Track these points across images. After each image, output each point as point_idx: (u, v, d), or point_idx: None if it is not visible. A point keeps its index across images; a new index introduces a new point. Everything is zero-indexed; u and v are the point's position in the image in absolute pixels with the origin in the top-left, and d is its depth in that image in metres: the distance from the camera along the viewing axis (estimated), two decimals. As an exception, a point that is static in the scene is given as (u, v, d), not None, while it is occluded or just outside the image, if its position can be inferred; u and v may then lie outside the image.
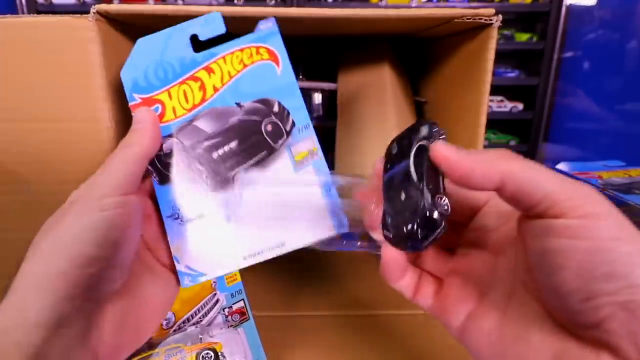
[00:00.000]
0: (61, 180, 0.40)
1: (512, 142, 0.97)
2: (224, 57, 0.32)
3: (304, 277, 0.60)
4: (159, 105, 0.31)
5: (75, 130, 0.39)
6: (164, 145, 0.31)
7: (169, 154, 0.31)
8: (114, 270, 0.24)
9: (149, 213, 0.30)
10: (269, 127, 0.31)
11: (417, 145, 0.23)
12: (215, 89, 0.31)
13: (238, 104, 0.32)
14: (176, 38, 0.32)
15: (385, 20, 0.39)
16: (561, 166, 0.57)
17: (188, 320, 0.41)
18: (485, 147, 0.42)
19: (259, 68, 0.32)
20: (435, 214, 0.21)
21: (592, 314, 0.18)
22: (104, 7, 0.36)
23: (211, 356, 0.36)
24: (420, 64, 0.64)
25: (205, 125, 0.31)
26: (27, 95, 0.38)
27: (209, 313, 0.42)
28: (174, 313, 0.40)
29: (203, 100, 0.31)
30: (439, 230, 0.21)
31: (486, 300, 0.24)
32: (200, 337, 0.38)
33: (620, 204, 0.51)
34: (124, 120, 0.42)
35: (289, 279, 0.61)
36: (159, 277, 0.29)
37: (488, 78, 0.41)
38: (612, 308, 0.18)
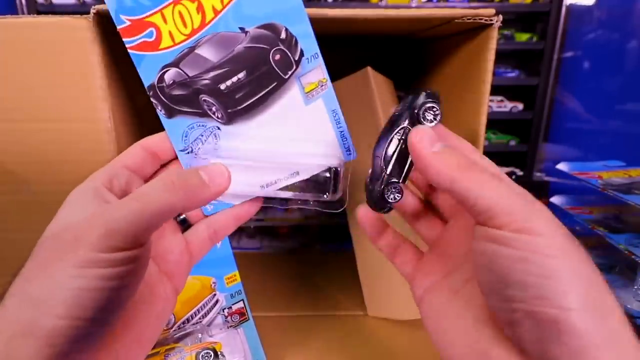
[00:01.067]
0: (61, 180, 0.40)
1: (512, 142, 0.97)
2: None
3: (304, 277, 0.60)
4: (153, 30, 0.28)
5: (75, 130, 0.39)
6: (166, 76, 0.29)
7: (173, 85, 0.29)
8: (110, 324, 0.22)
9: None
10: (277, 57, 0.29)
11: (402, 125, 0.25)
12: (216, 11, 0.28)
13: (242, 30, 0.29)
14: None
15: (385, 20, 0.39)
16: (561, 166, 0.57)
17: (188, 320, 0.41)
18: (485, 147, 0.42)
19: None
20: (386, 197, 0.25)
21: (505, 316, 0.20)
22: (104, 7, 0.36)
23: (211, 356, 0.36)
24: (420, 64, 0.64)
25: (209, 54, 0.29)
26: (27, 96, 0.38)
27: (208, 314, 0.42)
28: (174, 313, 0.40)
29: (203, 24, 0.28)
30: (386, 209, 0.26)
31: (447, 279, 0.26)
32: (199, 337, 0.38)
33: (620, 204, 0.51)
34: (124, 120, 0.42)
35: (289, 279, 0.61)
36: (157, 299, 0.27)
37: (488, 78, 0.41)
38: (521, 314, 0.19)
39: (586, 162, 0.58)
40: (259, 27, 0.29)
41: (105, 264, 0.20)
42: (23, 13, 0.79)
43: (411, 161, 0.24)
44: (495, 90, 0.94)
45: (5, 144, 0.39)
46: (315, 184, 0.30)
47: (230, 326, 0.41)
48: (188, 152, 0.29)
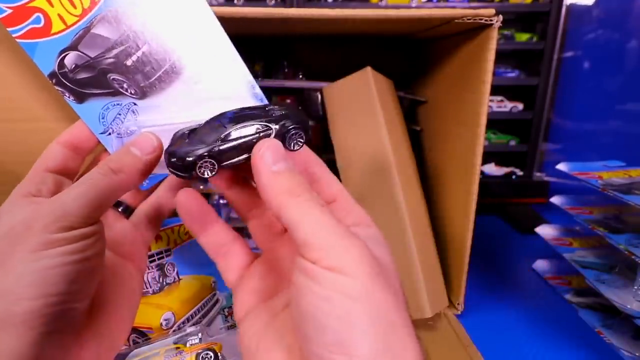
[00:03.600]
0: (61, 180, 0.40)
1: (512, 142, 0.97)
2: None
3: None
4: (40, 15, 0.26)
5: (75, 131, 0.39)
6: (66, 61, 0.27)
7: (76, 69, 0.27)
8: (83, 299, 0.22)
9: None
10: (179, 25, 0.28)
11: (268, 125, 0.24)
12: None
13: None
14: None
15: (385, 21, 0.39)
16: (561, 166, 0.57)
17: (188, 320, 0.41)
18: (485, 147, 0.42)
19: None
20: (198, 168, 0.23)
21: (305, 356, 0.19)
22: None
23: (211, 357, 0.36)
24: (420, 64, 0.64)
25: (107, 31, 0.27)
26: (27, 96, 0.38)
27: (208, 313, 0.42)
28: (174, 313, 0.40)
29: (94, 2, 0.27)
30: (187, 176, 0.23)
31: (270, 301, 0.25)
32: (199, 337, 0.38)
33: (620, 204, 0.50)
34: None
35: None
36: (123, 279, 0.27)
37: (488, 78, 0.41)
38: (313, 357, 0.18)
39: (586, 162, 0.58)
40: None
41: (62, 242, 0.20)
42: (23, 13, 0.78)
43: (246, 157, 0.23)
44: (495, 90, 0.94)
45: (5, 144, 0.39)
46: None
47: (230, 326, 0.41)
48: (109, 134, 0.28)
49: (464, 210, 0.46)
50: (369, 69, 0.51)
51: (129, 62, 0.28)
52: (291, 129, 0.24)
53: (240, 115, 0.24)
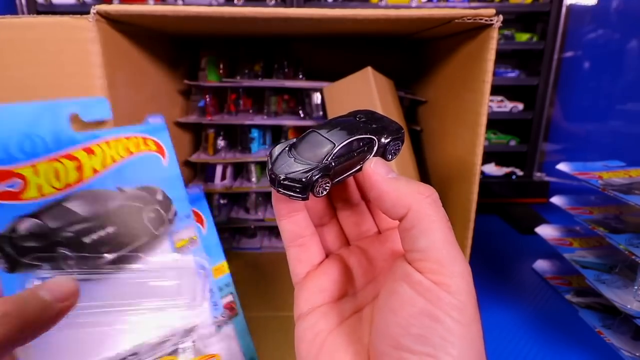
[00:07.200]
0: (61, 180, 0.40)
1: (512, 142, 0.97)
2: (107, 142, 0.31)
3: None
4: (19, 181, 0.27)
5: (75, 131, 0.39)
6: (21, 226, 0.27)
7: (27, 237, 0.27)
8: None
9: None
10: (152, 214, 0.32)
11: (367, 140, 0.24)
12: (95, 171, 0.30)
13: (120, 189, 0.31)
14: (52, 112, 0.29)
15: (385, 21, 0.39)
16: (561, 166, 0.57)
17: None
18: (485, 147, 0.42)
19: (146, 158, 0.33)
20: (314, 188, 0.22)
21: None
22: (104, 7, 0.36)
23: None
24: (420, 64, 0.64)
25: (79, 207, 0.29)
26: (27, 96, 0.38)
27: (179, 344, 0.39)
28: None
29: (80, 180, 0.29)
30: (295, 196, 0.22)
31: (338, 303, 0.24)
32: (193, 347, 0.36)
33: (620, 204, 0.50)
34: (124, 119, 0.42)
35: (289, 279, 0.61)
36: None
37: (488, 78, 0.41)
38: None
39: (586, 162, 0.58)
40: (137, 188, 0.31)
41: None
42: (23, 13, 0.78)
43: (353, 171, 0.23)
44: (495, 90, 0.94)
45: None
46: None
47: (219, 323, 0.39)
48: None
49: (464, 210, 0.46)
50: (369, 68, 0.51)
51: (87, 239, 0.29)
52: (390, 141, 0.24)
53: (337, 128, 0.24)
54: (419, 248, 0.19)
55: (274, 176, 0.22)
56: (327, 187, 0.23)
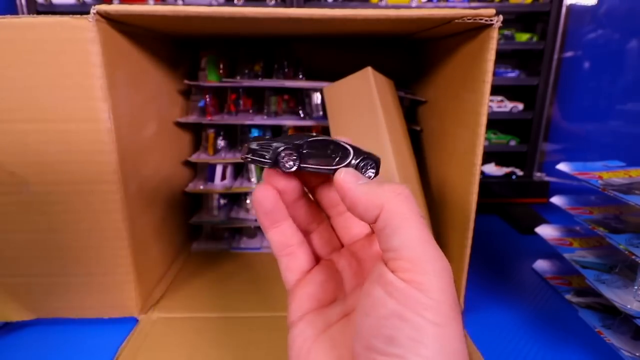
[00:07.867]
0: (61, 180, 0.40)
1: (512, 142, 0.97)
2: None
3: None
4: None
5: (75, 130, 0.39)
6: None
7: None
8: None
9: None
10: None
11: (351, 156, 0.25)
12: None
13: None
14: None
15: (385, 21, 0.39)
16: (561, 166, 0.57)
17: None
18: (485, 147, 0.42)
19: None
20: (280, 158, 0.23)
21: None
22: (104, 7, 0.36)
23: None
24: (420, 64, 0.64)
25: None
26: (26, 96, 0.38)
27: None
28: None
29: None
30: (268, 164, 0.23)
31: (326, 309, 0.25)
32: None
33: (620, 204, 0.50)
34: (124, 120, 0.42)
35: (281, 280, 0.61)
36: None
37: (488, 78, 0.41)
38: None
39: (586, 162, 0.58)
40: None
41: None
42: (23, 13, 0.79)
43: (325, 169, 0.24)
44: (495, 90, 0.94)
45: (5, 144, 0.39)
46: None
47: None
48: None
49: (464, 210, 0.46)
50: (369, 68, 0.51)
51: None
52: (364, 157, 0.26)
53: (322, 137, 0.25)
54: (392, 247, 0.19)
55: (247, 144, 0.24)
56: (294, 163, 0.24)
